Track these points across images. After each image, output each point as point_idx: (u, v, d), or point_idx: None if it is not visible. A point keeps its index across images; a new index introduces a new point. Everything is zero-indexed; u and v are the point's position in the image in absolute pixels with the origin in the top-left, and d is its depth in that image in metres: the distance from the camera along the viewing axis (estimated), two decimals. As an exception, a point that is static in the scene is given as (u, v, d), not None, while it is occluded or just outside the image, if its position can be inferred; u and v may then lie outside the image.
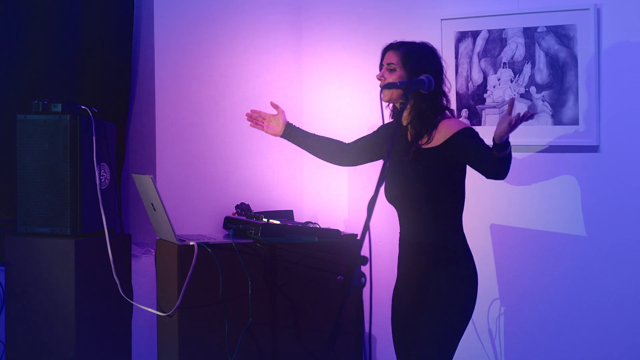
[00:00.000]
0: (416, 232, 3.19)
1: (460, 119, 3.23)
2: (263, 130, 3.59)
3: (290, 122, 3.57)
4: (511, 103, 2.91)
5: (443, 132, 3.13)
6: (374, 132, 3.49)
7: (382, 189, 2.88)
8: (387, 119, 3.37)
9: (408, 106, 3.18)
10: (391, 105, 3.33)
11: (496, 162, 2.96)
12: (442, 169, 3.14)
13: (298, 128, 3.56)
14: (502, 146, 2.91)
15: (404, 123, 3.24)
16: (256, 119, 3.61)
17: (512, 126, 2.86)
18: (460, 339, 3.15)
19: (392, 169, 3.27)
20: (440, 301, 3.11)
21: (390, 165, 3.30)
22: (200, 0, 4.10)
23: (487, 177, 3.06)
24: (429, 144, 3.15)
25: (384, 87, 3.16)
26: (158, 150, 3.95)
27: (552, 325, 3.81)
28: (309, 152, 3.58)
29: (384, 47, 3.27)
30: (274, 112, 3.58)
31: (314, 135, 3.57)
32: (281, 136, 3.57)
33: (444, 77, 3.21)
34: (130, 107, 4.04)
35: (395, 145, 3.25)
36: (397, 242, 3.30)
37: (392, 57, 3.21)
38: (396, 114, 3.31)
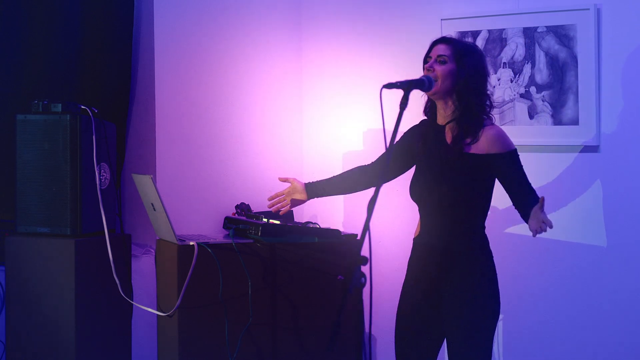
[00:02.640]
0: (436, 235, 3.13)
1: (502, 130, 3.14)
2: (291, 208, 3.55)
3: (306, 182, 3.53)
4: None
5: (489, 142, 3.07)
6: (400, 140, 3.33)
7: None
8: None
9: (450, 104, 3.12)
10: (425, 98, 3.22)
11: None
12: (478, 175, 3.09)
13: (316, 182, 3.51)
14: None
15: (441, 122, 3.17)
16: (278, 201, 3.56)
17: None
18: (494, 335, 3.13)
19: (421, 168, 3.23)
20: (458, 305, 3.07)
21: (419, 165, 3.26)
22: (200, 0, 4.10)
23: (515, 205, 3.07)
24: (471, 149, 3.08)
25: (384, 87, 3.11)
26: (158, 150, 3.95)
27: (551, 327, 3.80)
28: (340, 194, 3.53)
29: (434, 40, 3.20)
30: (286, 184, 3.56)
31: (335, 177, 3.50)
32: (308, 199, 3.52)
33: (488, 79, 3.17)
34: (130, 107, 4.04)
35: (428, 145, 3.20)
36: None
37: (444, 50, 3.12)
38: (431, 110, 3.23)
